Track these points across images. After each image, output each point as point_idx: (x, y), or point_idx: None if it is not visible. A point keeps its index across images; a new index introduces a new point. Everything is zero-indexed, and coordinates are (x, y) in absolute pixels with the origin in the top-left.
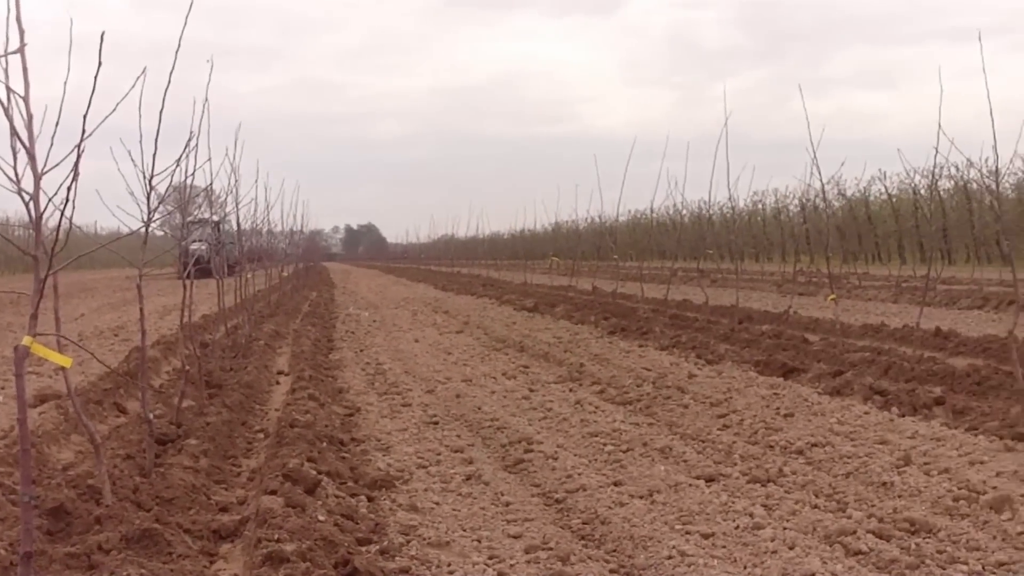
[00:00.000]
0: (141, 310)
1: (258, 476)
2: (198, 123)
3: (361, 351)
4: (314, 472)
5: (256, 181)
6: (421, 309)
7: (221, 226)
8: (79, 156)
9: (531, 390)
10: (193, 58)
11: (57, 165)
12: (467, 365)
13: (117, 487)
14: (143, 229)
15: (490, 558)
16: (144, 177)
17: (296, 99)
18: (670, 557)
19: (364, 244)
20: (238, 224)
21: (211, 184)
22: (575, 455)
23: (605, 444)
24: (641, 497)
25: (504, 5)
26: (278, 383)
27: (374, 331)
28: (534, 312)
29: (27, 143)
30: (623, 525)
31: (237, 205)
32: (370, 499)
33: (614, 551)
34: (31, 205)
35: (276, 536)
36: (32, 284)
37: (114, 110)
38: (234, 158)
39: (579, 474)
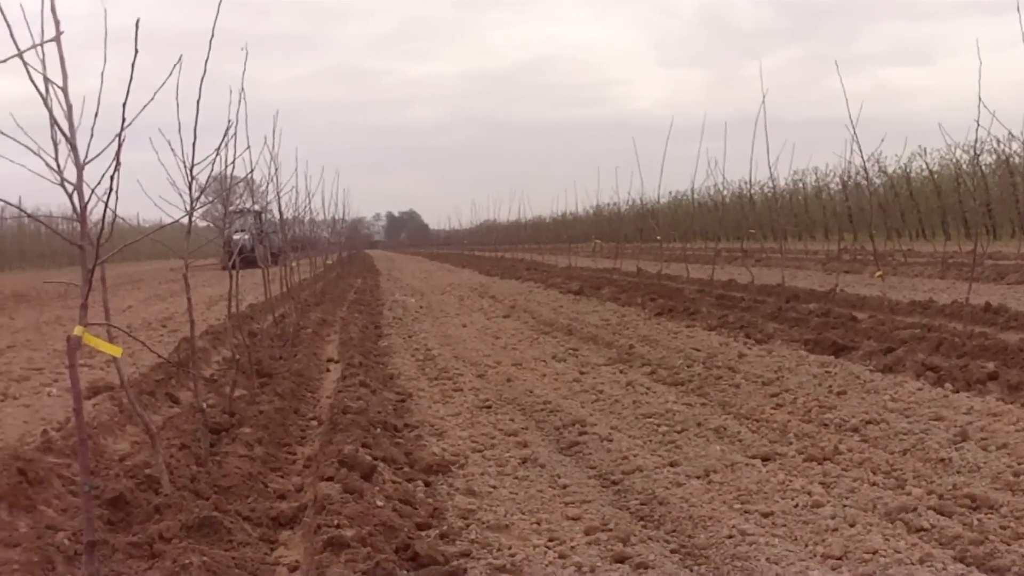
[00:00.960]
0: (189, 299)
1: (314, 463)
2: (235, 111)
3: (410, 337)
4: (369, 458)
5: (296, 169)
6: (467, 294)
7: (263, 215)
8: (120, 144)
9: (582, 372)
10: (224, 48)
11: (99, 155)
12: (516, 349)
13: (174, 476)
14: (186, 218)
15: (550, 540)
16: (185, 166)
17: (330, 87)
18: (731, 536)
19: (406, 231)
20: (280, 213)
21: (251, 172)
22: (629, 437)
23: (659, 425)
24: (698, 477)
25: None
26: (328, 371)
27: (421, 317)
28: (580, 295)
29: (68, 133)
30: (681, 505)
31: (279, 194)
32: (427, 484)
33: (674, 531)
34: (75, 195)
35: (336, 522)
36: (80, 276)
37: (153, 98)
38: (273, 146)
39: (634, 455)
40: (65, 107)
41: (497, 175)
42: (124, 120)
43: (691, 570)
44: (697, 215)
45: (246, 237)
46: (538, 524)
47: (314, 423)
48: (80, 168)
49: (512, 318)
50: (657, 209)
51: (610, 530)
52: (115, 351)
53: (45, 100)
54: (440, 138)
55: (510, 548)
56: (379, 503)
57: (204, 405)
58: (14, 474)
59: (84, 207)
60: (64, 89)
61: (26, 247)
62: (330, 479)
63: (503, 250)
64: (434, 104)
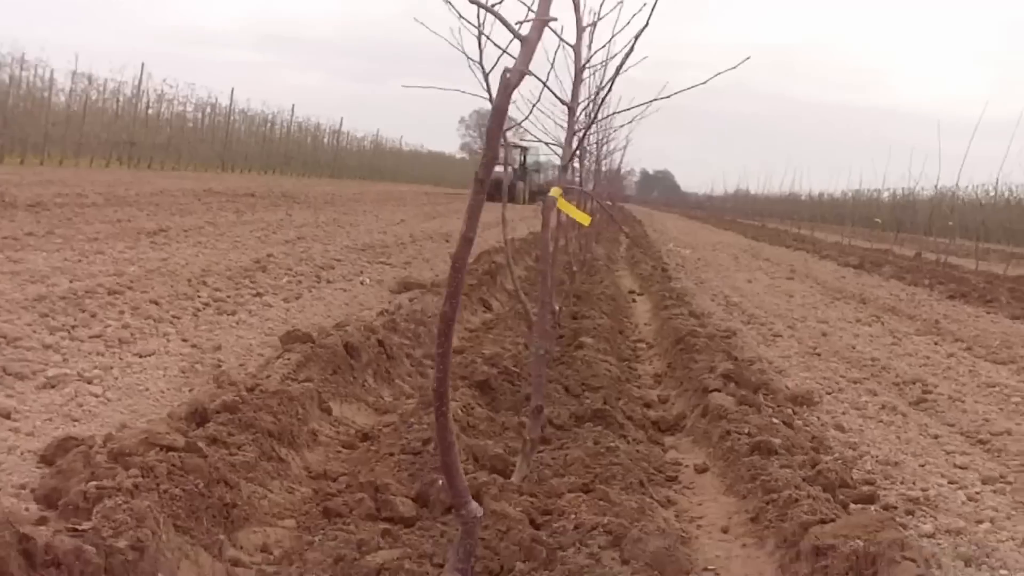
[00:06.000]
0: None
1: (664, 379)
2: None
3: (700, 283)
4: (744, 376)
5: None
6: (739, 254)
7: (527, 155)
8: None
9: (895, 338)
10: None
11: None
12: (815, 308)
13: (525, 372)
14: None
15: (950, 483)
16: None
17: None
18: None
19: (658, 190)
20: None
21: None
22: (976, 401)
23: (1009, 395)
24: None
25: None
26: (634, 301)
27: (703, 268)
28: (860, 269)
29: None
30: None
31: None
32: (794, 412)
33: None
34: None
35: (746, 430)
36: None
37: None
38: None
39: (993, 418)
40: None
41: (760, 147)
42: None
43: None
44: (963, 211)
45: (507, 171)
46: (927, 466)
47: (642, 345)
48: (581, 30)
49: (796, 280)
50: (919, 202)
51: (1009, 482)
52: (584, 219)
53: None
54: (703, 104)
55: (914, 483)
56: (775, 420)
57: (557, 307)
58: (374, 345)
59: (580, 70)
60: None
61: (292, 153)
62: (716, 391)
63: (759, 220)
64: (702, 70)
